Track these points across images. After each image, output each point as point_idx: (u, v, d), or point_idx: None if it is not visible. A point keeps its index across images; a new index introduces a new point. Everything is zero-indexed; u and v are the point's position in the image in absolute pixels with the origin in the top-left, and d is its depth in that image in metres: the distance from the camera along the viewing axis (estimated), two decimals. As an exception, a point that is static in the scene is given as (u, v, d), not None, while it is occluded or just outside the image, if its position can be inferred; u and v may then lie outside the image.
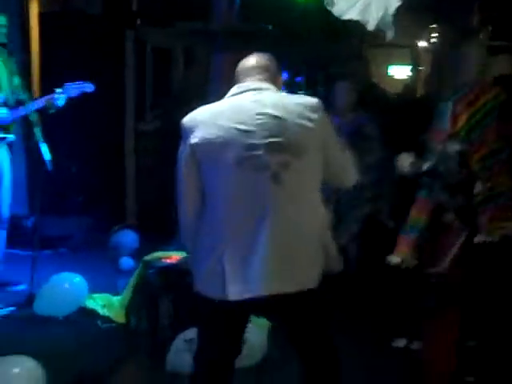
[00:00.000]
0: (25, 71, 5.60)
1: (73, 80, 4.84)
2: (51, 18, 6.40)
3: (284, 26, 4.75)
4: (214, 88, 4.13)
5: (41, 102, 4.73)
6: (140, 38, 6.82)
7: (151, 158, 6.52)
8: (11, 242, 6.07)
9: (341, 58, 4.64)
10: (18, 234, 6.23)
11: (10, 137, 4.89)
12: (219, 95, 2.65)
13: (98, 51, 6.43)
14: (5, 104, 4.80)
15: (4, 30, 4.74)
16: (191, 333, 3.55)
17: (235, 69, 2.70)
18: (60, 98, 4.71)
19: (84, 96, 4.79)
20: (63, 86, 4.75)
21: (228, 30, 4.11)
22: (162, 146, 6.46)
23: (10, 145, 4.97)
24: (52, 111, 4.74)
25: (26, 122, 6.04)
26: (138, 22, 6.84)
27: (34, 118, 4.64)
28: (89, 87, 4.82)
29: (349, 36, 4.89)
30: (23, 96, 4.86)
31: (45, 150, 4.54)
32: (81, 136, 6.46)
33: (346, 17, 4.23)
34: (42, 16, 6.29)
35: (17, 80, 4.88)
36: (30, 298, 4.52)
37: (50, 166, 4.53)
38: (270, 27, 4.80)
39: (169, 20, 6.51)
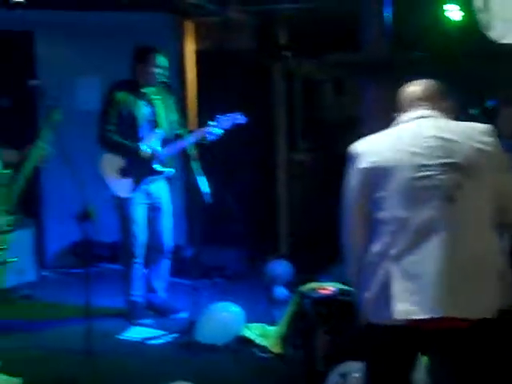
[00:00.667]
0: (182, 107, 5.87)
1: (228, 113, 5.00)
2: (206, 55, 6.69)
3: (438, 52, 4.66)
4: (367, 118, 4.12)
5: (195, 136, 4.93)
6: (289, 70, 6.95)
7: (304, 187, 6.59)
8: (171, 271, 6.39)
9: (501, 82, 4.48)
10: (177, 264, 6.53)
11: (170, 171, 5.13)
12: (375, 125, 2.67)
13: (249, 84, 6.62)
14: (163, 140, 5.04)
15: (164, 71, 4.97)
16: (347, 367, 3.52)
17: (390, 98, 2.71)
18: (213, 130, 4.91)
19: (237, 128, 4.97)
20: (216, 119, 4.95)
21: (381, 60, 4.09)
22: (315, 176, 6.51)
23: (169, 178, 5.22)
24: (206, 143, 4.96)
25: (183, 155, 6.37)
26: (287, 54, 6.97)
27: (192, 151, 4.83)
28: (240, 119, 4.98)
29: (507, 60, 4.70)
30: (180, 131, 5.10)
31: (203, 183, 4.71)
32: (235, 167, 6.65)
33: (505, 40, 4.09)
34: (197, 54, 6.61)
35: (174, 116, 5.12)
36: (191, 326, 4.68)
37: (208, 199, 4.69)
38: (424, 54, 4.72)
39: (317, 51, 6.58)
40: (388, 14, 4.10)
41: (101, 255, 6.41)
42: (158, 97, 5.04)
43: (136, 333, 4.88)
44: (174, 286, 6.03)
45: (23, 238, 5.90)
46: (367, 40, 5.18)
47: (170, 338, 4.76)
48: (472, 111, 4.17)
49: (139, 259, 5.11)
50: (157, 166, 5.01)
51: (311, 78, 7.46)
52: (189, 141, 4.93)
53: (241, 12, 6.30)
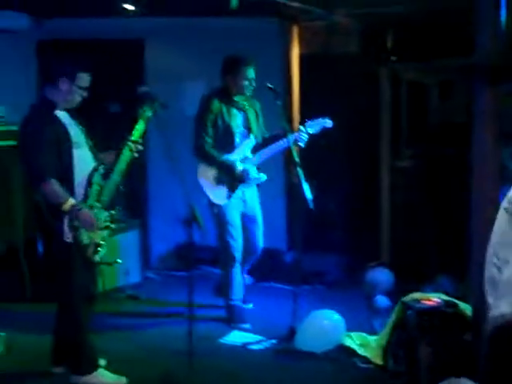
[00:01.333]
0: (286, 111, 5.88)
1: (332, 118, 5.10)
2: (311, 60, 6.66)
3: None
4: (478, 123, 3.96)
5: (287, 142, 4.97)
6: (394, 75, 6.81)
7: (406, 195, 6.45)
8: (271, 275, 6.41)
9: None
10: (277, 269, 6.54)
11: (262, 177, 5.23)
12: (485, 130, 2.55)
13: (354, 89, 6.55)
14: (255, 146, 5.18)
15: (252, 82, 5.11)
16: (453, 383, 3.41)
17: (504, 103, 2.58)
18: (303, 136, 5.01)
19: (340, 133, 4.95)
20: (305, 124, 5.05)
21: (497, 63, 3.91)
22: (419, 183, 6.35)
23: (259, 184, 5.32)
24: (301, 145, 5.04)
25: (287, 160, 6.38)
26: (393, 58, 6.84)
27: (296, 157, 4.82)
28: (328, 123, 5.07)
29: None
30: (267, 135, 5.27)
31: (306, 188, 4.69)
32: (337, 172, 6.59)
33: None
34: (302, 57, 6.61)
35: (261, 120, 5.28)
36: (291, 332, 4.66)
37: (311, 205, 4.66)
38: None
39: (424, 55, 6.43)
40: (503, 16, 3.93)
41: (203, 258, 6.50)
42: (248, 104, 5.21)
43: (236, 337, 4.92)
44: (273, 291, 6.07)
45: (129, 239, 6.09)
46: (481, 43, 4.97)
47: (269, 343, 4.76)
48: None
49: (238, 263, 5.22)
50: (250, 175, 5.15)
51: (417, 82, 7.28)
52: (280, 146, 5.06)
53: (346, 16, 6.23)
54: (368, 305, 5.48)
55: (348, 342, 4.58)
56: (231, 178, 5.09)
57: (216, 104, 5.06)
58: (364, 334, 4.70)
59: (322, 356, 4.47)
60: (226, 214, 5.11)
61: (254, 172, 5.17)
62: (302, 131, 5.02)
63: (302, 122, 5.23)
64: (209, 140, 5.05)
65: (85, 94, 3.94)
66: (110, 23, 6.40)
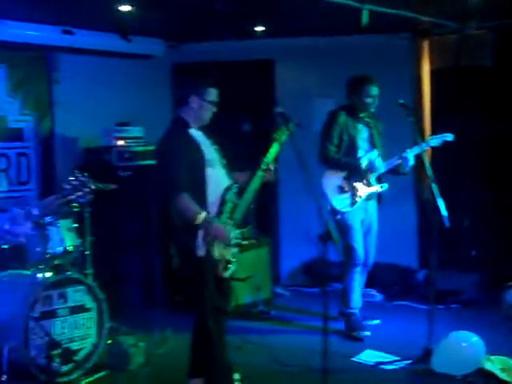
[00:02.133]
0: (418, 126, 5.78)
1: (463, 132, 5.23)
2: (441, 73, 6.52)
3: None
4: None
5: (396, 160, 5.22)
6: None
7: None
8: (402, 294, 6.29)
9: None
10: (409, 287, 6.41)
11: (383, 186, 5.33)
12: None
13: (487, 102, 6.33)
14: (376, 160, 5.30)
15: (375, 100, 5.25)
16: None
17: None
18: (409, 157, 5.15)
19: (473, 147, 4.83)
20: (427, 140, 5.24)
21: None
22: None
23: (380, 196, 5.41)
24: (406, 170, 5.24)
25: (418, 176, 6.26)
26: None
27: (430, 172, 4.73)
28: (449, 136, 5.18)
29: None
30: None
31: (441, 205, 4.58)
32: (473, 188, 6.40)
33: None
34: (433, 72, 6.49)
35: (381, 141, 5.43)
36: (427, 353, 4.54)
37: (446, 222, 4.55)
38: None
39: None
40: None
41: (334, 275, 6.48)
42: (371, 121, 5.37)
43: (369, 356, 4.85)
44: (405, 310, 5.95)
45: (260, 255, 6.17)
46: None
47: (403, 364, 4.66)
48: None
49: (360, 270, 5.36)
50: (373, 182, 5.29)
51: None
52: (389, 165, 5.27)
53: (479, 28, 6.06)
54: (508, 326, 5.24)
55: (488, 366, 4.38)
56: (361, 182, 5.23)
57: (342, 117, 5.26)
58: (506, 358, 4.48)
59: (461, 379, 4.31)
60: (349, 219, 5.27)
61: (377, 181, 5.31)
62: (421, 145, 5.07)
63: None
64: (333, 148, 5.26)
65: (214, 109, 4.03)
66: (240, 45, 6.58)
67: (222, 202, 3.95)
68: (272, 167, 4.06)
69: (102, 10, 5.06)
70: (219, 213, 3.93)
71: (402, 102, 4.87)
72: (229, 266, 3.96)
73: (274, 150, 4.08)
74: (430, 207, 4.74)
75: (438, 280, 5.44)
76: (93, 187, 2.79)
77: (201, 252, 3.85)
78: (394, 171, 5.32)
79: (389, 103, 5.09)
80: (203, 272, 3.90)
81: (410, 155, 5.17)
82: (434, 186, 4.64)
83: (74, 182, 2.76)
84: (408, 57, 6.46)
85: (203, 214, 3.81)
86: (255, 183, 4.03)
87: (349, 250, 5.29)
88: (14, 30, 5.31)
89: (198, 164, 3.91)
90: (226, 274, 3.97)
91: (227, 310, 4.20)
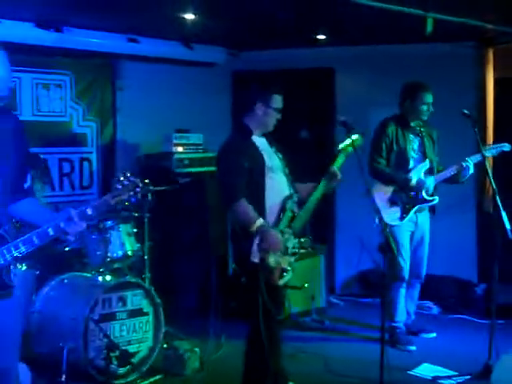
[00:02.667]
0: (480, 134, 5.69)
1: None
2: (505, 82, 6.40)
3: None
4: None
5: (452, 170, 5.12)
6: None
7: None
8: (460, 307, 6.17)
9: None
10: (467, 300, 6.28)
11: (435, 200, 5.23)
12: None
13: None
14: (429, 170, 5.22)
15: (429, 107, 5.17)
16: None
17: None
18: (470, 165, 5.05)
19: None
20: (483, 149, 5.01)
21: None
22: None
23: (433, 208, 5.33)
24: (464, 179, 5.15)
25: (478, 189, 6.15)
26: None
27: (493, 185, 4.64)
28: (506, 146, 5.13)
29: None
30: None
31: (505, 217, 4.48)
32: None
33: None
34: (496, 80, 6.37)
35: (436, 148, 5.35)
36: (487, 369, 4.43)
37: (510, 235, 4.44)
38: None
39: None
40: None
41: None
42: (425, 131, 5.28)
43: (427, 370, 4.78)
44: (462, 324, 5.84)
45: (315, 264, 6.15)
46: None
47: (462, 379, 4.56)
48: None
49: (405, 285, 5.31)
50: (424, 196, 5.20)
51: None
52: (447, 174, 5.17)
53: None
54: None
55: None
56: (406, 197, 5.17)
57: (392, 128, 5.20)
58: None
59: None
60: (398, 234, 5.17)
61: (425, 192, 5.21)
62: (478, 155, 5.01)
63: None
64: (382, 161, 5.20)
65: (279, 115, 4.02)
66: (301, 53, 6.59)
67: (282, 211, 3.93)
68: (338, 177, 4.02)
69: (166, 18, 5.15)
70: (278, 221, 3.91)
71: (465, 111, 4.77)
72: (284, 274, 3.92)
73: (340, 160, 4.04)
74: (491, 219, 4.65)
75: (500, 294, 5.33)
76: (144, 187, 2.83)
77: (255, 259, 3.84)
78: (451, 180, 5.22)
79: (451, 111, 5.04)
80: (257, 279, 3.87)
81: (471, 164, 5.08)
82: (498, 199, 4.54)
83: (125, 182, 2.81)
84: (472, 65, 6.36)
85: (259, 221, 3.80)
86: (317, 194, 4.00)
87: (394, 265, 5.16)
88: (81, 38, 5.47)
89: (258, 170, 3.91)
90: (281, 282, 3.93)
91: (281, 318, 4.14)
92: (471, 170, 5.11)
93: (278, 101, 4.00)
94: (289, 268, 3.94)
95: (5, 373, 2.91)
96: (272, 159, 4.02)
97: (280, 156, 4.10)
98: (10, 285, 2.80)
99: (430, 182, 5.19)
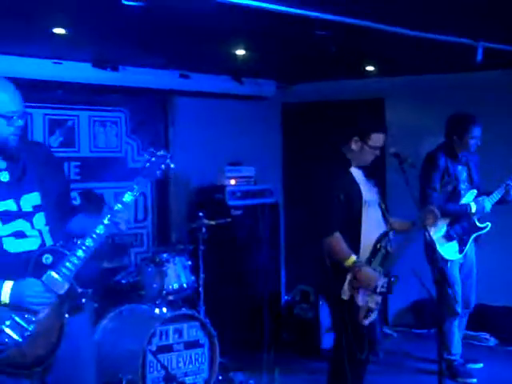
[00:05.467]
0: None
1: None
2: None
3: None
4: None
5: (501, 190, 5.09)
6: None
7: None
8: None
9: None
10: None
11: (488, 227, 5.22)
12: None
13: None
14: (476, 199, 5.17)
15: (478, 141, 5.09)
16: None
17: None
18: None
19: None
20: None
21: None
22: None
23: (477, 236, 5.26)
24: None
25: None
26: None
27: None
28: None
29: None
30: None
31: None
32: None
33: None
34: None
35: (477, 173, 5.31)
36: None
37: None
38: None
39: None
40: None
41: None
42: (469, 157, 5.22)
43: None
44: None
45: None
46: None
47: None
48: None
49: (458, 317, 5.23)
50: (478, 224, 5.19)
51: None
52: (496, 196, 5.12)
53: None
54: None
55: None
56: (463, 228, 5.11)
57: (442, 160, 5.11)
58: None
59: None
60: (451, 267, 5.09)
61: (478, 221, 5.19)
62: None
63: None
64: (435, 194, 5.09)
65: (377, 152, 3.94)
66: (350, 84, 6.63)
67: (376, 248, 3.82)
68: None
69: (217, 54, 5.26)
70: (371, 257, 3.81)
71: None
72: (370, 313, 3.82)
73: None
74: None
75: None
76: (170, 164, 2.92)
77: (345, 296, 3.76)
78: (500, 201, 5.15)
79: (502, 137, 5.02)
80: (343, 317, 3.82)
81: None
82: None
83: (153, 159, 2.90)
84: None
85: (353, 258, 3.72)
86: (413, 233, 3.93)
87: (447, 300, 5.01)
88: (134, 76, 5.62)
89: (354, 203, 3.82)
90: (366, 322, 3.83)
91: (364, 357, 3.96)
92: None
93: (376, 140, 3.90)
94: (375, 307, 3.83)
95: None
96: (369, 192, 3.93)
97: (378, 189, 4.01)
98: (79, 298, 2.85)
99: (488, 205, 5.11)
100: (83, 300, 2.85)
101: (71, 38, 4.42)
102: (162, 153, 2.94)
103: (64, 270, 2.74)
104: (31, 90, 5.23)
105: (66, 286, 2.74)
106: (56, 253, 2.77)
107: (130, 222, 2.92)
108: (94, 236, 2.79)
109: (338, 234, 3.74)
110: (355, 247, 3.77)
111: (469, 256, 5.26)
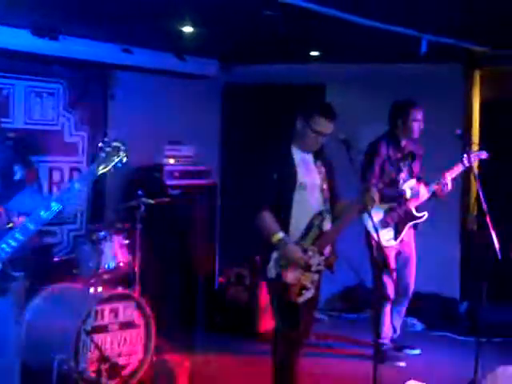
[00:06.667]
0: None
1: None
2: (491, 105, 6.50)
3: None
4: None
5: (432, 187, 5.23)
6: None
7: None
8: (444, 324, 6.23)
9: None
10: (450, 318, 6.34)
11: (424, 215, 5.32)
12: None
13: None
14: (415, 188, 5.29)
15: (419, 125, 5.21)
16: None
17: None
18: (448, 181, 5.17)
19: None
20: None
21: None
22: None
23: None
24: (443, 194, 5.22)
25: (463, 206, 6.21)
26: None
27: (484, 204, 4.67)
28: (484, 154, 5.32)
29: None
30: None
31: (493, 237, 4.54)
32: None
33: None
34: (482, 104, 6.47)
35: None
36: (471, 386, 4.48)
37: (499, 255, 4.50)
38: None
39: None
40: None
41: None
42: (414, 149, 5.34)
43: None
44: (447, 341, 5.91)
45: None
46: None
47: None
48: None
49: (391, 303, 5.34)
50: (414, 213, 5.28)
51: None
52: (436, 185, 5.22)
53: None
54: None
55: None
56: (399, 216, 5.20)
57: (384, 148, 5.20)
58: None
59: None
60: (387, 254, 5.19)
61: (415, 210, 5.28)
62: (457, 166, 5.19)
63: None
64: (374, 181, 5.16)
65: (320, 139, 3.87)
66: (292, 69, 6.63)
67: (309, 227, 3.83)
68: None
69: (161, 29, 5.15)
70: (302, 237, 3.81)
71: (459, 133, 4.81)
72: (303, 291, 3.80)
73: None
74: (476, 237, 4.71)
75: (483, 312, 5.39)
76: (124, 151, 2.84)
77: (272, 274, 3.79)
78: (433, 195, 5.30)
79: (439, 132, 5.11)
80: (272, 294, 3.86)
81: (448, 179, 5.17)
82: (487, 217, 4.60)
83: (108, 149, 2.82)
84: (459, 87, 6.45)
85: (279, 235, 3.72)
86: (350, 212, 3.91)
87: (381, 286, 5.24)
88: (75, 47, 5.42)
89: (287, 185, 3.82)
90: (300, 300, 3.81)
91: (298, 336, 3.95)
92: (449, 186, 5.20)
93: (320, 124, 3.81)
94: (310, 285, 3.83)
95: (8, 370, 2.88)
96: (308, 175, 3.90)
97: (321, 170, 3.97)
98: (7, 281, 2.75)
99: (423, 192, 5.24)
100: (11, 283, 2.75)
101: (10, 1, 4.21)
102: (116, 144, 2.84)
103: None
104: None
105: None
106: None
107: (76, 209, 2.82)
108: (37, 218, 2.67)
109: (266, 212, 3.76)
110: (285, 227, 3.79)
111: (406, 243, 5.35)
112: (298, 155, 3.93)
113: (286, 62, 6.53)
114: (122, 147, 2.84)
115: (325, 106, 4.04)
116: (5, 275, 2.70)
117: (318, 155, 3.99)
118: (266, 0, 3.93)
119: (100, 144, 2.85)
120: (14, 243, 2.65)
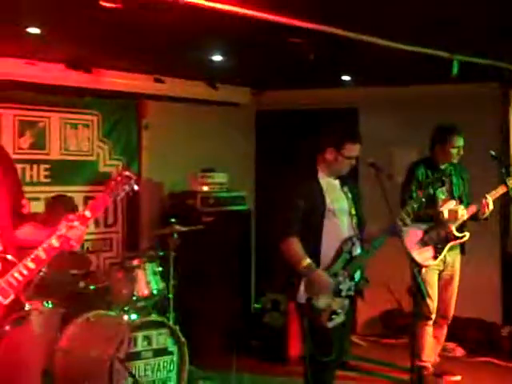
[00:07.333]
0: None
1: None
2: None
3: None
4: None
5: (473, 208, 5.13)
6: None
7: None
8: (486, 349, 6.08)
9: None
10: (492, 342, 6.19)
11: (466, 236, 5.19)
12: None
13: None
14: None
15: (460, 151, 5.15)
16: None
17: None
18: (489, 202, 5.06)
19: None
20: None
21: None
22: None
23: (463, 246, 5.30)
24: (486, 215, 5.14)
25: (503, 228, 6.08)
26: None
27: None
28: None
29: None
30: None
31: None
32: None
33: None
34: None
35: (467, 188, 5.32)
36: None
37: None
38: None
39: None
40: None
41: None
42: (454, 170, 5.26)
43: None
44: (489, 366, 5.79)
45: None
46: None
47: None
48: None
49: (431, 323, 5.22)
50: (455, 233, 5.17)
51: None
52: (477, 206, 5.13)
53: None
54: None
55: None
56: (438, 235, 5.14)
57: (421, 171, 5.17)
58: None
59: None
60: (428, 274, 5.13)
61: (456, 230, 5.18)
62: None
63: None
64: (415, 205, 5.06)
65: (353, 162, 3.97)
66: (325, 93, 6.64)
67: (338, 252, 3.86)
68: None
69: (192, 59, 5.23)
70: (332, 262, 3.84)
71: (493, 153, 4.77)
72: (333, 316, 3.80)
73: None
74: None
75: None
76: (134, 187, 2.86)
77: (302, 300, 3.80)
78: (473, 218, 5.20)
79: (476, 152, 5.03)
80: (302, 319, 3.85)
81: (490, 200, 5.08)
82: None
83: (119, 178, 2.85)
84: (496, 106, 6.36)
85: (306, 261, 3.75)
86: (382, 237, 3.95)
87: (421, 304, 5.16)
88: (108, 79, 5.55)
89: (315, 211, 3.86)
90: (330, 325, 3.81)
91: (329, 361, 3.90)
92: (491, 206, 5.09)
93: (351, 150, 3.91)
94: (340, 310, 3.83)
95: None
96: (337, 202, 3.95)
97: (350, 197, 4.01)
98: (25, 308, 2.74)
99: (463, 213, 5.15)
100: (28, 311, 2.75)
101: (45, 38, 4.34)
102: (128, 174, 2.87)
103: (11, 279, 2.65)
104: (2, 90, 5.16)
105: (11, 297, 2.66)
106: (6, 261, 2.68)
107: (82, 239, 2.83)
108: (45, 249, 2.69)
109: (292, 239, 3.79)
110: (316, 253, 3.81)
111: (449, 265, 5.26)
112: (324, 181, 3.98)
113: (318, 87, 6.54)
114: (134, 177, 2.87)
115: (352, 131, 4.07)
116: (20, 304, 2.71)
117: (344, 180, 4.03)
118: (290, 28, 3.96)
119: (115, 172, 2.87)
120: (26, 272, 2.67)
